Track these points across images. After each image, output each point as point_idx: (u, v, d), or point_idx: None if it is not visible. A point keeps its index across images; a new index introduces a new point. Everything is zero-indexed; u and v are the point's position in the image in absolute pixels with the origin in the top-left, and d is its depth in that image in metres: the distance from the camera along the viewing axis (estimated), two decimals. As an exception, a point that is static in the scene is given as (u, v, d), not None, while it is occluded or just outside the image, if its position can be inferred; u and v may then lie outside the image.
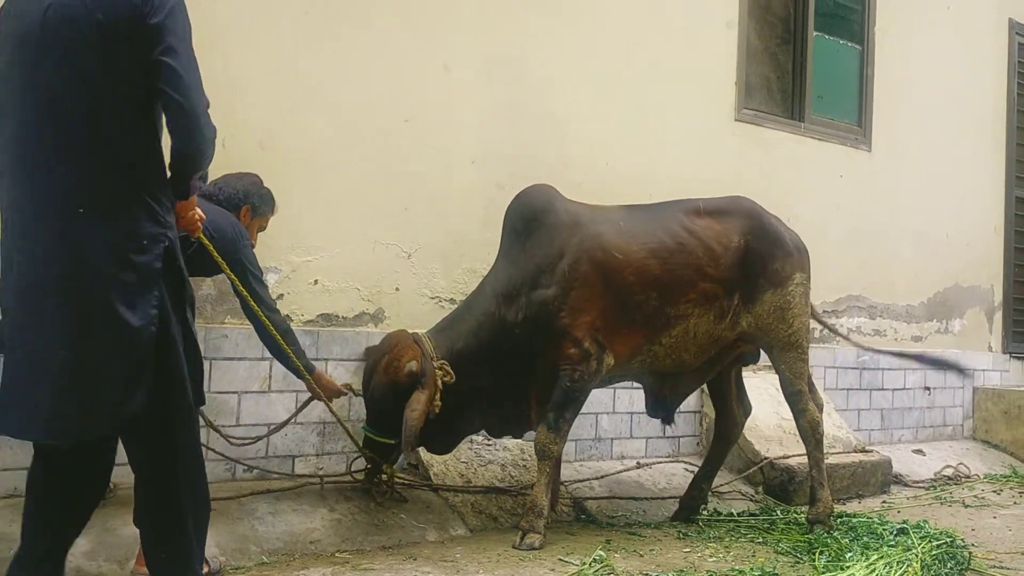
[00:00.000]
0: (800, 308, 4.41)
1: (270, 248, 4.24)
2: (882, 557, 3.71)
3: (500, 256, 4.19)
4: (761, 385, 5.48)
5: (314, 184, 4.38)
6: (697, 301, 4.16)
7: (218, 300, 4.09)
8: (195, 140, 2.50)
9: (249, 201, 3.74)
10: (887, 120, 7.02)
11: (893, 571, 3.54)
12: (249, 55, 4.21)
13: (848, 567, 3.62)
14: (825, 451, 5.35)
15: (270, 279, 4.24)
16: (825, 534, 4.23)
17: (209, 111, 2.64)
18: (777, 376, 4.52)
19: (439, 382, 3.89)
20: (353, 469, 4.18)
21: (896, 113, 7.09)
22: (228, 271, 3.34)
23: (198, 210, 2.82)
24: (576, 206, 4.19)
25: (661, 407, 4.56)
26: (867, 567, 3.57)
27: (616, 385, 5.21)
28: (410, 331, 4.06)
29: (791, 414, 4.56)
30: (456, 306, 4.40)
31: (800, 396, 4.43)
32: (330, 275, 4.45)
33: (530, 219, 4.11)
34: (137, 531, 3.10)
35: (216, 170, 3.82)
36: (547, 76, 5.20)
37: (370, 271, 4.57)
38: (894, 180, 7.05)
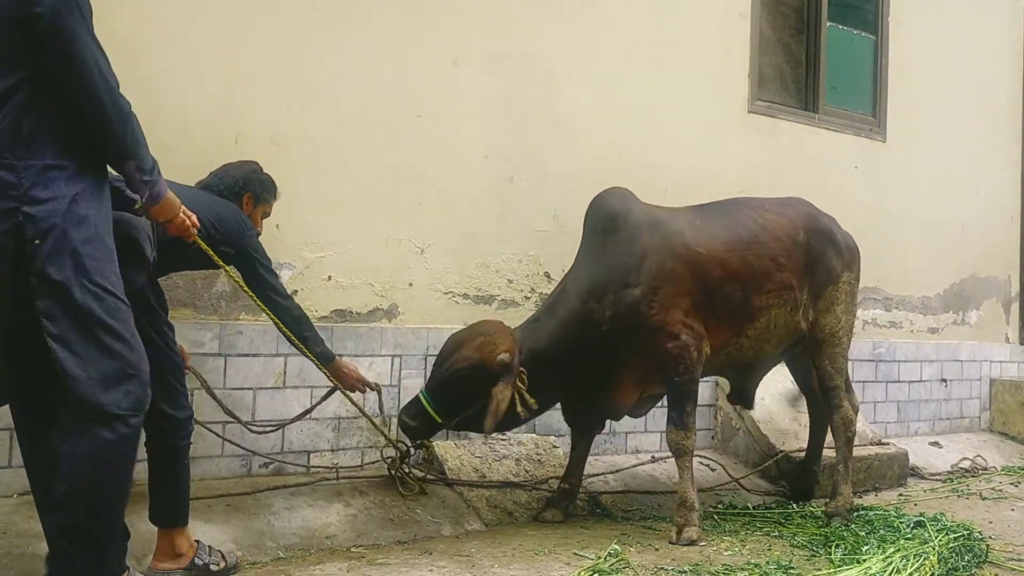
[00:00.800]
0: (847, 305, 4.61)
1: (283, 244, 4.26)
2: (899, 550, 3.69)
3: (581, 256, 4.25)
4: (775, 378, 5.45)
5: (326, 180, 4.39)
6: (776, 292, 4.31)
7: (232, 297, 4.11)
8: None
9: (250, 189, 3.70)
10: (902, 110, 6.98)
11: (910, 564, 3.52)
12: (258, 53, 4.21)
13: (864, 560, 3.60)
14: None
15: (284, 275, 4.26)
16: (843, 527, 4.22)
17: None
18: (816, 370, 4.65)
19: (518, 383, 3.94)
20: (366, 462, 4.19)
21: (911, 103, 7.04)
22: (227, 269, 3.31)
23: (185, 215, 2.78)
24: (651, 207, 4.29)
25: (745, 396, 4.76)
26: (884, 560, 3.56)
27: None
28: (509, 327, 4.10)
29: (821, 407, 4.73)
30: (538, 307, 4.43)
31: (837, 392, 4.57)
32: (343, 271, 4.46)
33: (610, 219, 4.17)
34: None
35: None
36: (556, 70, 5.18)
37: (383, 267, 4.57)
38: (909, 170, 7.01)
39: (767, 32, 6.34)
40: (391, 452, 4.22)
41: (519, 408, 3.92)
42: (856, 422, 4.64)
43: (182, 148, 3.79)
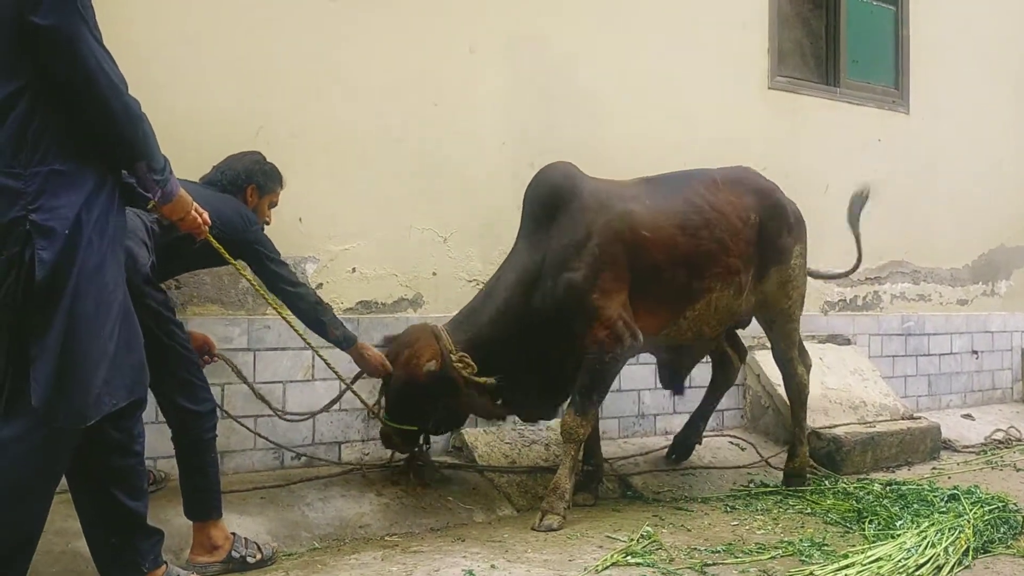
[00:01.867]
0: (799, 280, 4.56)
1: (308, 237, 4.28)
2: (933, 524, 3.68)
3: (521, 239, 4.09)
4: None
5: (347, 172, 4.41)
6: (720, 275, 4.19)
7: (257, 293, 4.13)
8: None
9: (253, 180, 3.65)
10: (925, 81, 6.89)
11: (945, 538, 3.50)
12: (276, 45, 4.23)
13: (899, 535, 3.59)
14: (872, 419, 5.47)
15: (308, 269, 4.29)
16: (875, 501, 4.20)
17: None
18: (771, 346, 4.75)
19: (463, 375, 3.85)
20: (396, 458, 4.22)
21: (933, 73, 6.94)
22: (235, 264, 3.33)
23: (196, 213, 2.78)
24: (598, 184, 4.11)
25: (676, 379, 4.71)
26: (918, 534, 3.54)
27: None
28: (429, 327, 3.99)
29: (782, 377, 4.80)
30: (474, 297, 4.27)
31: (791, 362, 4.67)
32: (368, 262, 4.48)
33: (552, 201, 4.02)
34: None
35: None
36: (573, 52, 5.16)
37: (407, 257, 4.59)
38: (934, 142, 6.93)
39: (785, 7, 6.27)
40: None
41: (486, 398, 3.92)
42: (809, 383, 4.75)
43: (203, 144, 3.81)
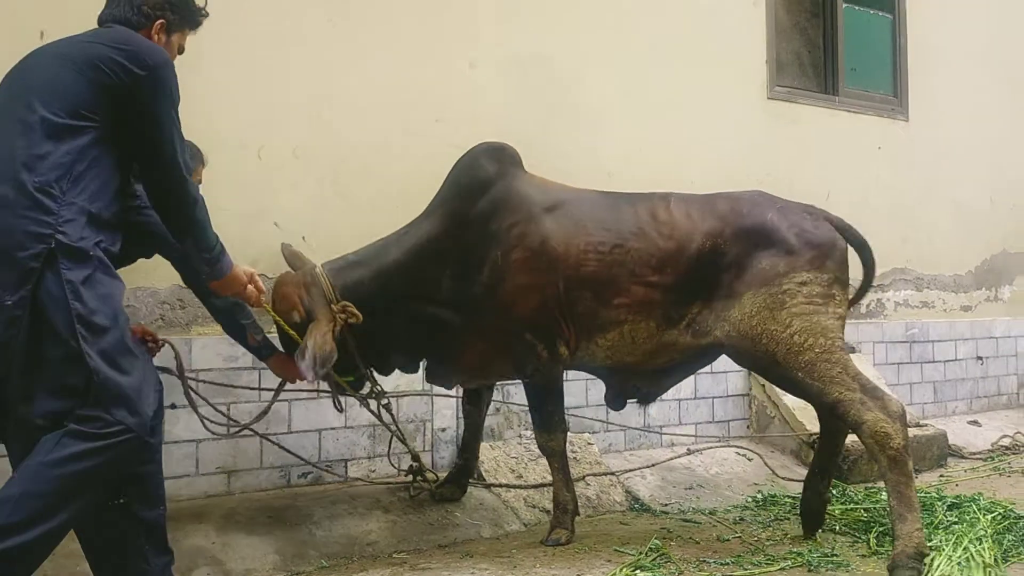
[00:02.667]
0: (801, 308, 3.55)
1: (312, 255, 4.27)
2: (956, 535, 3.61)
3: (432, 210, 3.81)
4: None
5: (349, 189, 4.42)
6: (631, 306, 3.69)
7: (264, 312, 4.13)
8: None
9: None
10: (923, 88, 6.90)
11: (979, 548, 3.44)
12: (277, 65, 4.25)
13: (933, 550, 3.45)
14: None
15: (312, 286, 4.28)
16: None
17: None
18: (797, 391, 3.74)
19: (338, 325, 3.52)
20: (403, 468, 4.22)
21: (932, 80, 6.96)
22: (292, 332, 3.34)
23: (254, 287, 2.97)
24: (528, 182, 3.81)
25: (622, 400, 4.08)
26: (953, 546, 3.46)
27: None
28: (307, 268, 3.71)
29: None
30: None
31: (846, 405, 3.46)
32: (371, 279, 4.48)
33: (475, 184, 3.74)
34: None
35: (254, 182, 3.89)
36: (573, 67, 5.18)
37: (410, 273, 4.59)
38: (934, 148, 6.94)
39: (782, 17, 6.30)
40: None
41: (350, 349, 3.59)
42: (900, 432, 3.40)
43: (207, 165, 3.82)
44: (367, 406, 3.98)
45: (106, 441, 2.41)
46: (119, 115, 2.55)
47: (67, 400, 2.42)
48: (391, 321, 3.72)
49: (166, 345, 3.30)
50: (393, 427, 4.06)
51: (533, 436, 4.64)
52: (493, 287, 3.64)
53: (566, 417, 3.96)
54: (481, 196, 3.71)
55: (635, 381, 3.98)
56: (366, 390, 3.92)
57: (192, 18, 2.96)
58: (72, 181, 2.46)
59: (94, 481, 2.46)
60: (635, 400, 4.13)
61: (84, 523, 2.62)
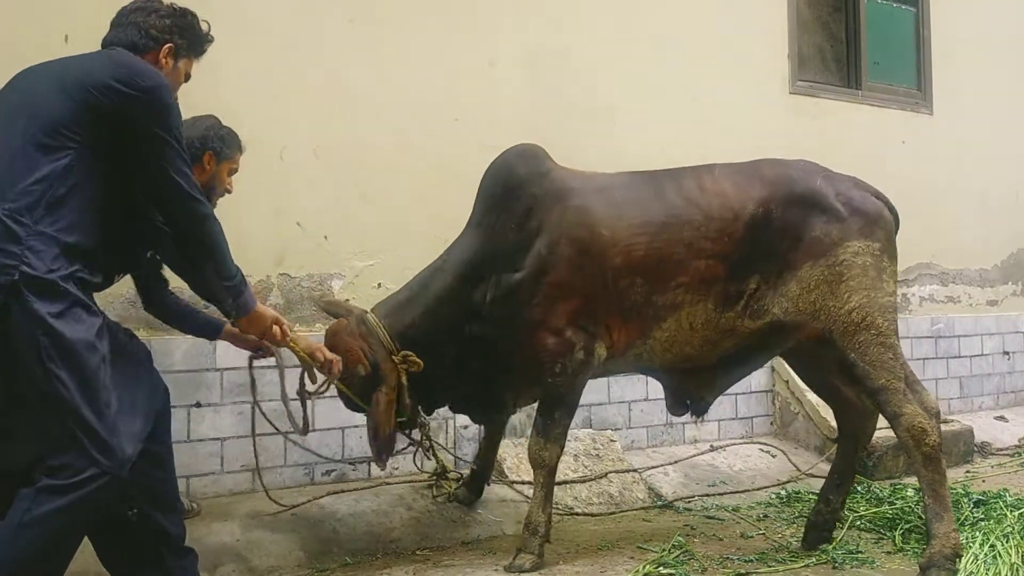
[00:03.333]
0: (860, 280, 3.47)
1: (334, 255, 4.31)
2: (988, 532, 3.57)
3: (470, 227, 3.69)
4: (833, 360, 5.38)
5: (370, 189, 4.44)
6: (689, 286, 3.49)
7: (286, 309, 4.17)
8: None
9: (210, 147, 3.42)
10: (948, 81, 6.83)
11: (1008, 546, 3.40)
12: (298, 66, 4.27)
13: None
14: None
15: (335, 285, 4.32)
16: (909, 508, 4.15)
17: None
18: (849, 370, 3.54)
19: (403, 379, 3.47)
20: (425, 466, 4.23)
21: (956, 73, 6.89)
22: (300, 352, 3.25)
23: (273, 325, 2.86)
24: (564, 174, 3.66)
25: (684, 404, 3.87)
26: (980, 545, 3.41)
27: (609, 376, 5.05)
28: (356, 315, 3.59)
29: (887, 419, 3.51)
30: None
31: (887, 393, 3.39)
32: (393, 277, 4.48)
33: (510, 187, 3.59)
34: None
35: (275, 183, 3.91)
36: (593, 63, 5.18)
37: (432, 271, 4.60)
38: (958, 142, 6.87)
39: (804, 11, 6.25)
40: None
41: (405, 403, 3.50)
42: (936, 430, 3.37)
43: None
44: (408, 435, 3.83)
45: (80, 491, 2.32)
46: (110, 136, 2.44)
47: (40, 442, 2.35)
48: (443, 354, 3.57)
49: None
50: (430, 451, 4.00)
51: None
52: (538, 282, 3.45)
53: (568, 431, 3.66)
54: (518, 197, 3.56)
55: (691, 383, 3.78)
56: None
57: (198, 45, 2.86)
58: (46, 209, 2.34)
59: (75, 530, 2.42)
60: (689, 411, 3.90)
61: (96, 531, 2.62)
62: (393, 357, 3.46)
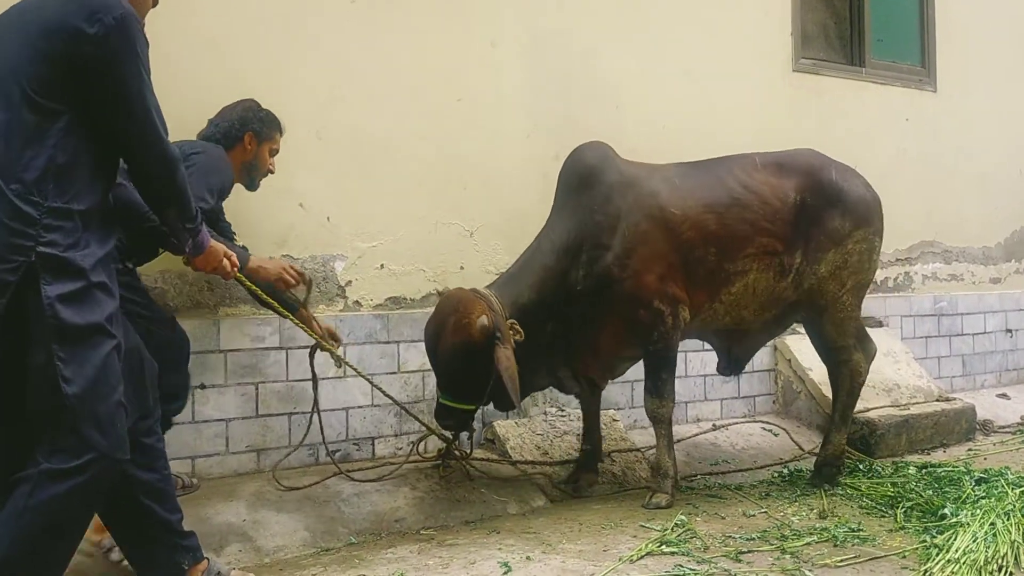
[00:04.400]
0: (856, 266, 4.26)
1: (336, 236, 4.32)
2: (987, 511, 3.56)
3: (554, 212, 4.13)
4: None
5: (372, 170, 4.44)
6: (756, 256, 4.09)
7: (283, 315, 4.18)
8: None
9: (249, 128, 3.59)
10: (952, 58, 6.80)
11: (1009, 523, 3.40)
12: (299, 48, 4.26)
13: (961, 525, 3.45)
14: (906, 402, 5.39)
15: (337, 267, 4.33)
16: (911, 486, 4.17)
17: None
18: (819, 336, 4.41)
19: (512, 340, 3.78)
20: (425, 450, 4.26)
21: (961, 50, 6.85)
22: (270, 302, 3.38)
23: (224, 259, 2.85)
24: (631, 165, 4.14)
25: (733, 364, 4.54)
26: (980, 522, 3.42)
27: (688, 348, 5.20)
28: (468, 288, 3.93)
29: (830, 367, 4.46)
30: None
31: (846, 350, 4.36)
32: (395, 259, 4.51)
33: (585, 176, 4.06)
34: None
35: (277, 166, 3.92)
36: (595, 43, 5.15)
37: (434, 252, 4.62)
38: (962, 119, 6.84)
39: (807, -12, 6.22)
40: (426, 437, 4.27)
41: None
42: (867, 371, 4.43)
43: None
44: (434, 430, 4.12)
45: (80, 477, 2.33)
46: (86, 86, 2.32)
47: (45, 424, 2.34)
48: (542, 331, 3.94)
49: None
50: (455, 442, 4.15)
51: (558, 414, 4.70)
52: (625, 259, 3.91)
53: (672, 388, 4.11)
54: (595, 183, 4.02)
55: (737, 345, 4.43)
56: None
57: None
58: (54, 180, 2.29)
59: (78, 515, 2.42)
60: (734, 372, 4.61)
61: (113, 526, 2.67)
62: (503, 315, 3.80)
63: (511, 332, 3.78)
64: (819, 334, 4.41)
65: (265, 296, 3.56)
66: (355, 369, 4.03)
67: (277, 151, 3.74)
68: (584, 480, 4.29)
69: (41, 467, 2.33)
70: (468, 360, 3.69)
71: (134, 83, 2.35)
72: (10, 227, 2.24)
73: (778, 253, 4.13)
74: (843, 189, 4.25)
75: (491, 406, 4.02)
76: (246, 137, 3.60)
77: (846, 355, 4.37)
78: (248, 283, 3.33)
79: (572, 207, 4.05)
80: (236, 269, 2.99)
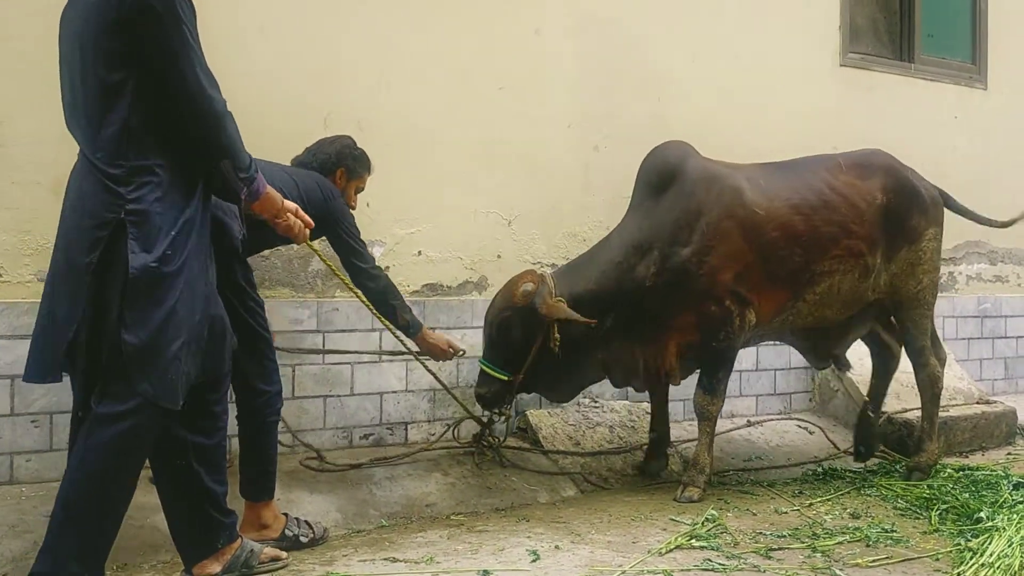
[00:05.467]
0: (930, 263, 4.40)
1: (374, 222, 4.35)
2: (1020, 517, 3.50)
3: (631, 209, 4.16)
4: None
5: (413, 157, 4.46)
6: (842, 258, 4.14)
7: (328, 275, 4.21)
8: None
9: (343, 163, 3.73)
10: (1003, 55, 6.66)
11: None
12: (344, 36, 4.29)
13: (997, 530, 3.40)
14: (946, 403, 5.26)
15: (376, 252, 4.35)
16: (947, 488, 4.12)
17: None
18: (900, 331, 4.51)
19: (558, 313, 3.86)
20: (462, 433, 4.28)
21: (1013, 47, 6.71)
22: (327, 262, 3.39)
23: (293, 216, 2.88)
24: (712, 164, 4.14)
25: (824, 359, 4.64)
26: (1016, 527, 3.37)
27: (750, 346, 5.13)
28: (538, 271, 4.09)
29: (911, 367, 4.55)
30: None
31: (923, 352, 4.44)
32: (433, 245, 4.53)
33: (665, 174, 4.06)
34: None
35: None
36: (641, 33, 5.12)
37: (471, 240, 4.63)
38: (1013, 118, 6.70)
39: (857, -18, 6.12)
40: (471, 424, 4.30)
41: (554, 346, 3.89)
42: (943, 377, 4.52)
43: (274, 132, 3.89)
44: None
45: (124, 423, 2.44)
46: (141, 50, 2.43)
47: (102, 368, 2.46)
48: (603, 323, 3.96)
49: None
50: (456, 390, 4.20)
51: (591, 405, 4.70)
52: (702, 256, 3.92)
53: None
54: (675, 180, 4.02)
55: (826, 342, 4.50)
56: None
57: None
58: (129, 143, 2.43)
59: (128, 460, 2.51)
60: (833, 365, 4.70)
61: (161, 487, 2.73)
62: (549, 299, 3.89)
63: (558, 304, 3.88)
64: (901, 330, 4.50)
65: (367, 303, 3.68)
66: (454, 396, 4.17)
67: (363, 189, 3.89)
68: (654, 466, 4.41)
69: (93, 412, 2.45)
70: (508, 323, 3.92)
71: (177, 43, 2.44)
72: (101, 187, 2.42)
73: (863, 255, 4.19)
74: (918, 188, 4.37)
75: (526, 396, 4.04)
76: (338, 172, 3.74)
77: (924, 358, 4.44)
78: (317, 251, 3.35)
79: (649, 205, 4.06)
80: (308, 230, 3.00)
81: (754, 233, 3.99)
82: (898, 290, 4.36)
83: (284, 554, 3.09)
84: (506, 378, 3.96)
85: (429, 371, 4.09)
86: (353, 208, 3.79)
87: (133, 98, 2.44)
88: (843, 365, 4.71)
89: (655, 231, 3.98)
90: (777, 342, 4.97)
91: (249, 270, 3.22)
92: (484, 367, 4.00)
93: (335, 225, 3.59)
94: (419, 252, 4.49)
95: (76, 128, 2.53)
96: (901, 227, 4.29)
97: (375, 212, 4.36)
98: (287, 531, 3.26)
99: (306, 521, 3.35)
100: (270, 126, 3.90)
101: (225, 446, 2.82)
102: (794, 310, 4.18)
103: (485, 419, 4.21)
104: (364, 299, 3.65)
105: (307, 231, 2.96)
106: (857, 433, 4.76)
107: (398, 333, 3.87)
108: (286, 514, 3.33)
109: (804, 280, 4.11)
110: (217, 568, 2.80)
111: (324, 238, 3.65)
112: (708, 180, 4.01)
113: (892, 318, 4.55)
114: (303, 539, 3.28)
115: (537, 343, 3.90)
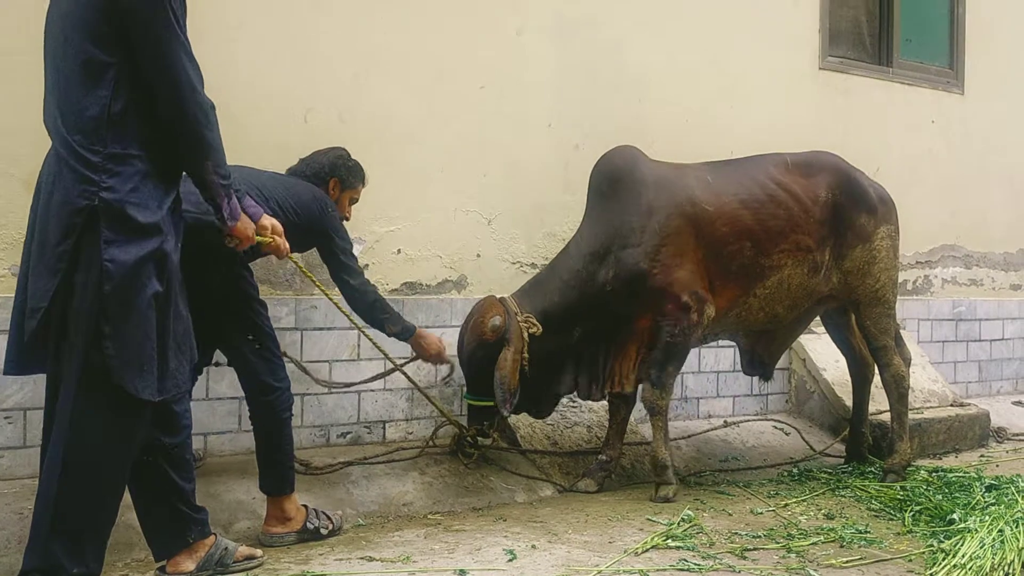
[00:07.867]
0: (886, 262, 4.47)
1: (354, 219, 4.30)
2: (996, 517, 3.52)
3: (585, 218, 4.21)
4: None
5: (393, 155, 4.44)
6: (790, 252, 4.21)
7: (308, 279, 4.19)
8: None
9: (336, 174, 3.77)
10: (980, 61, 6.73)
11: (1010, 531, 3.38)
12: (325, 30, 4.26)
13: (967, 532, 3.42)
14: (920, 405, 5.34)
15: (355, 250, 4.32)
16: (921, 490, 4.16)
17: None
18: (861, 332, 4.60)
19: (525, 335, 3.94)
20: (439, 432, 4.27)
21: (990, 53, 6.78)
22: (318, 285, 3.46)
23: (278, 239, 2.92)
24: (661, 165, 4.21)
25: (758, 366, 4.67)
26: (988, 529, 3.38)
27: (702, 345, 5.19)
28: (497, 296, 4.10)
29: (862, 365, 4.74)
30: (539, 270, 4.40)
31: (885, 351, 4.51)
32: (412, 244, 4.52)
33: (615, 179, 4.13)
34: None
35: (299, 145, 3.93)
36: (621, 34, 5.13)
37: (451, 238, 4.62)
38: (989, 123, 6.78)
39: (837, -14, 6.17)
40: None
41: (524, 368, 3.93)
42: (909, 376, 4.58)
43: (253, 126, 3.89)
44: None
45: (108, 414, 2.45)
46: (127, 35, 2.42)
47: (79, 359, 2.43)
48: (570, 335, 4.08)
49: None
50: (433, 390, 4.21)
51: (569, 404, 4.70)
52: (655, 254, 3.99)
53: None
54: (625, 183, 4.09)
55: (762, 347, 4.59)
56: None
57: None
58: (110, 128, 2.41)
59: (109, 448, 2.50)
60: (760, 374, 4.74)
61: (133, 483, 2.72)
62: (517, 317, 3.96)
63: (526, 326, 3.96)
64: (861, 331, 4.59)
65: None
66: (432, 400, 4.07)
67: (357, 200, 3.92)
68: (582, 484, 4.24)
69: (73, 405, 2.44)
70: (481, 357, 3.96)
71: (163, 32, 2.43)
72: (76, 174, 2.38)
73: (811, 249, 4.26)
74: (866, 188, 4.46)
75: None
76: (332, 182, 3.76)
77: (887, 358, 4.51)
78: (308, 274, 3.48)
79: (601, 211, 4.12)
80: (287, 249, 3.05)
81: (705, 230, 4.06)
82: (854, 289, 4.43)
83: (259, 552, 3.08)
84: (491, 404, 3.99)
85: (410, 380, 4.13)
86: (347, 219, 3.80)
87: (116, 83, 2.42)
88: (768, 376, 4.77)
89: (609, 235, 4.04)
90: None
91: (251, 274, 3.27)
92: (470, 401, 4.08)
93: (328, 240, 3.60)
94: (398, 250, 4.48)
95: (56, 112, 2.46)
96: (850, 225, 4.36)
97: (355, 209, 4.32)
98: (308, 523, 3.33)
99: (325, 512, 3.41)
100: (248, 122, 3.89)
101: (189, 445, 2.83)
102: (746, 305, 4.25)
103: (463, 425, 4.21)
104: (354, 320, 3.75)
105: (286, 248, 3.02)
106: (848, 447, 4.88)
107: (375, 337, 3.88)
108: (305, 506, 3.38)
109: (755, 274, 4.18)
110: (191, 566, 2.79)
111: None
112: (657, 181, 4.08)
113: (854, 320, 4.65)
114: (323, 531, 3.35)
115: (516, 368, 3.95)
